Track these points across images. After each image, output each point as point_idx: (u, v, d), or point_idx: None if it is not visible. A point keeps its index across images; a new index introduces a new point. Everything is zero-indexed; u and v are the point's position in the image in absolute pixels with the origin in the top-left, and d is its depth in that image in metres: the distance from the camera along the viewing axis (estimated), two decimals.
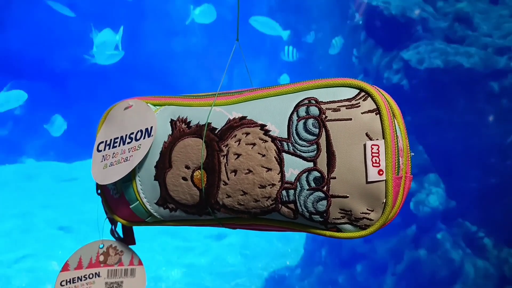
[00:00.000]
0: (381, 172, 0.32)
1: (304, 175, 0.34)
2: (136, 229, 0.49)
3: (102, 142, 0.45)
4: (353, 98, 0.34)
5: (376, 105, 0.33)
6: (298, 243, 2.15)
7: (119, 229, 0.49)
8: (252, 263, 2.21)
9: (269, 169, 0.36)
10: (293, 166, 0.35)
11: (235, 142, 0.38)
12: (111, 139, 0.44)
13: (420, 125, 2.10)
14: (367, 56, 2.41)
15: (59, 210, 2.73)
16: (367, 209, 0.33)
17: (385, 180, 0.32)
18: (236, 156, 0.37)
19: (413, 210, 2.05)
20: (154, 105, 0.44)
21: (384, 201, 0.33)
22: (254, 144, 0.37)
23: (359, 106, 0.33)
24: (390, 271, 1.96)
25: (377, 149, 0.32)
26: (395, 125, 0.33)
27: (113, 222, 0.48)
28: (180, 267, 2.20)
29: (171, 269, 2.16)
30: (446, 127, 2.09)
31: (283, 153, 0.35)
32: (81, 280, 0.47)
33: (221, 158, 0.38)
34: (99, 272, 0.48)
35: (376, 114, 0.33)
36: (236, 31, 0.45)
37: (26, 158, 3.60)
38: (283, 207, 0.36)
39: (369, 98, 0.33)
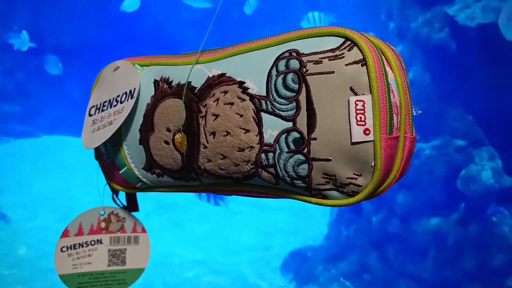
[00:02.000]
0: (367, 132, 0.33)
1: (283, 136, 0.36)
2: (144, 197, 0.55)
3: (93, 106, 0.50)
4: (337, 48, 0.34)
5: (362, 54, 0.33)
6: (321, 221, 2.23)
7: (122, 196, 0.55)
8: (270, 240, 2.33)
9: (247, 131, 0.37)
10: (272, 127, 0.36)
11: (213, 101, 0.40)
12: (101, 103, 0.49)
13: (470, 92, 2.07)
14: (402, 13, 2.34)
15: None
16: (354, 174, 0.34)
17: (373, 140, 0.33)
18: (215, 117, 0.39)
19: (460, 188, 2.06)
20: (141, 65, 0.48)
21: (373, 164, 0.33)
22: (232, 104, 0.38)
23: (343, 57, 0.33)
24: (431, 256, 2.01)
25: (362, 105, 0.32)
26: (386, 78, 0.33)
27: (113, 189, 0.53)
28: (194, 242, 2.34)
29: (185, 245, 2.31)
30: (503, 94, 2.05)
31: (262, 113, 0.37)
32: (82, 246, 0.54)
33: (200, 120, 0.40)
34: (101, 239, 0.55)
35: (362, 65, 0.33)
36: None
37: None
38: (263, 171, 0.38)
39: (355, 48, 0.33)
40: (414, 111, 0.37)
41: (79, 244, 0.54)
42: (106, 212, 0.55)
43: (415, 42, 2.24)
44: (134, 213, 0.56)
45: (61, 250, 0.54)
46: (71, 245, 0.54)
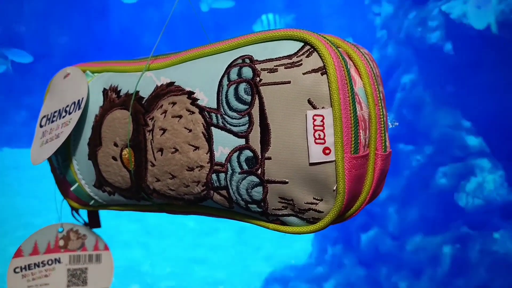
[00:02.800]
0: (327, 151, 0.30)
1: (235, 154, 0.34)
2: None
3: (44, 116, 0.49)
4: (295, 54, 0.32)
5: (323, 61, 0.30)
6: (304, 238, 2.24)
7: (83, 212, 0.55)
8: (250, 260, 2.33)
9: (196, 148, 0.36)
10: (223, 144, 0.34)
11: (161, 114, 0.38)
12: (51, 113, 0.48)
13: (469, 96, 2.08)
14: (391, 11, 2.37)
15: None
16: (314, 198, 0.32)
17: (334, 161, 0.30)
18: (162, 131, 0.38)
19: (458, 202, 2.08)
20: (93, 72, 0.47)
21: (335, 188, 0.31)
22: (180, 117, 0.37)
23: (301, 64, 0.31)
24: (426, 277, 2.02)
25: (322, 121, 0.30)
26: (351, 88, 0.31)
27: (70, 205, 0.53)
28: (166, 260, 2.33)
29: (158, 263, 2.29)
30: (505, 98, 2.07)
31: (212, 128, 0.35)
32: (38, 266, 0.54)
33: (147, 134, 0.39)
34: (59, 258, 0.54)
35: (321, 74, 0.30)
36: None
37: None
38: (215, 193, 0.36)
39: (314, 53, 0.31)
40: (389, 123, 0.36)
41: (35, 264, 0.54)
42: (64, 229, 0.54)
43: (407, 43, 2.26)
44: (95, 230, 0.56)
45: (14, 271, 0.53)
46: (25, 266, 0.54)
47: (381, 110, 0.33)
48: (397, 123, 0.36)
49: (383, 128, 0.33)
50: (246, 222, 0.38)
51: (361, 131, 0.32)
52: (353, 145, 0.31)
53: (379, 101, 0.33)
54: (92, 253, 0.55)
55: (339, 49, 0.33)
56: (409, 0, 2.28)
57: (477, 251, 1.97)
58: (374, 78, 0.33)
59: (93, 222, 0.55)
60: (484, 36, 2.02)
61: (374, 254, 2.08)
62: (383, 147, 0.33)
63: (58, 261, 0.55)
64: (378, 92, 0.33)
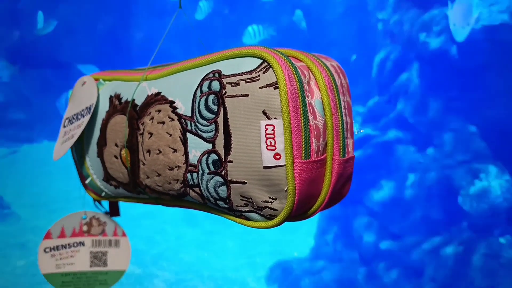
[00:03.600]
0: (277, 156, 0.34)
1: (204, 157, 0.38)
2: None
3: (67, 118, 0.55)
4: (254, 70, 0.35)
5: (276, 77, 0.33)
6: (307, 232, 2.29)
7: (105, 202, 0.61)
8: (254, 250, 2.39)
9: (175, 150, 0.40)
10: (196, 147, 0.38)
11: (149, 120, 0.43)
12: (72, 115, 0.54)
13: (473, 100, 2.05)
14: (395, 16, 2.35)
15: None
16: (269, 198, 0.36)
17: (284, 165, 0.34)
18: (150, 135, 0.43)
19: (462, 206, 2.06)
20: (105, 80, 0.52)
21: (286, 189, 0.34)
22: (163, 123, 0.41)
23: (258, 79, 0.34)
24: (427, 278, 2.01)
25: (272, 130, 0.33)
26: (302, 100, 0.33)
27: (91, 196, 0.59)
28: (179, 246, 2.40)
29: (171, 248, 2.37)
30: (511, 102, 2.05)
31: (187, 133, 0.39)
32: (65, 248, 0.60)
33: (139, 137, 0.44)
34: (83, 241, 0.60)
35: (274, 88, 0.33)
36: None
37: None
38: (191, 190, 0.40)
39: (270, 70, 0.34)
40: (355, 130, 0.39)
41: (62, 245, 0.60)
42: (88, 216, 0.60)
43: (410, 46, 2.24)
44: (115, 218, 0.62)
45: (45, 251, 0.60)
46: (54, 247, 0.60)
47: (339, 119, 0.36)
48: (362, 130, 0.40)
49: (341, 135, 0.36)
50: (220, 216, 0.42)
51: (313, 138, 0.34)
52: (303, 151, 0.34)
53: (338, 110, 0.36)
54: (112, 238, 0.61)
55: (300, 63, 0.36)
56: (413, 4, 2.26)
57: (481, 255, 1.95)
58: (334, 89, 0.36)
59: (113, 211, 0.61)
60: (490, 40, 2.02)
61: (374, 251, 2.11)
62: (341, 153, 0.36)
63: (82, 244, 0.60)
64: (337, 103, 0.36)
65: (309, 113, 0.34)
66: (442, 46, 2.13)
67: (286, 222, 0.38)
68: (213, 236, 2.51)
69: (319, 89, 0.35)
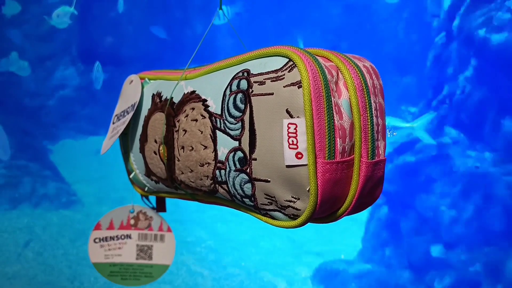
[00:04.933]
0: (299, 155, 0.33)
1: (231, 154, 0.38)
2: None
3: (116, 115, 0.56)
4: (280, 69, 0.34)
5: (300, 76, 0.33)
6: (355, 235, 2.22)
7: (152, 197, 0.62)
8: (301, 249, 2.37)
9: (205, 147, 0.40)
10: (224, 145, 0.38)
11: (184, 117, 0.43)
12: (120, 112, 0.55)
13: None
14: (449, 10, 2.19)
15: None
16: (292, 197, 0.35)
17: (306, 164, 0.33)
18: (184, 132, 0.43)
19: None
20: (150, 79, 0.53)
21: (309, 189, 0.33)
22: (196, 120, 0.42)
23: (283, 78, 0.34)
24: None
25: (295, 129, 0.33)
26: (327, 100, 0.33)
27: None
28: (221, 242, 2.43)
29: (219, 245, 2.41)
30: None
31: (217, 131, 0.39)
32: (113, 239, 0.62)
33: (175, 134, 0.45)
34: (130, 234, 0.62)
35: (298, 87, 0.33)
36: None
37: None
38: (219, 187, 0.40)
39: (295, 69, 0.33)
40: (388, 133, 0.37)
41: (110, 237, 0.62)
42: (135, 210, 0.61)
43: (468, 44, 2.11)
44: (161, 214, 0.62)
45: (94, 241, 0.62)
46: (103, 237, 0.62)
47: (368, 120, 0.34)
48: (396, 133, 0.37)
49: (369, 137, 0.34)
50: (248, 213, 0.41)
51: (338, 139, 0.33)
52: (327, 151, 0.33)
53: (368, 111, 0.34)
54: (157, 233, 0.62)
55: (329, 63, 0.35)
56: None
57: None
58: (364, 90, 0.34)
59: (160, 206, 0.61)
60: None
61: (424, 259, 2.01)
62: (370, 155, 0.35)
63: (129, 237, 0.62)
64: (366, 103, 0.34)
65: (334, 113, 0.33)
66: (505, 42, 1.97)
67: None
68: (261, 233, 2.51)
69: (347, 89, 0.34)
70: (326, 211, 0.36)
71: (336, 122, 0.33)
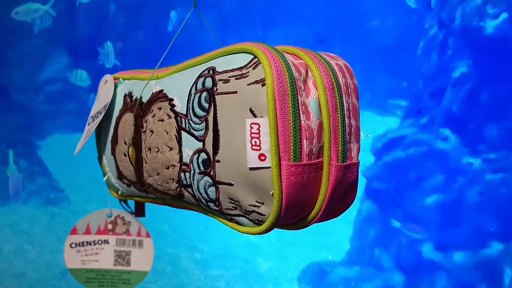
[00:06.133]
0: (262, 157, 0.31)
1: (196, 156, 0.36)
2: None
3: (91, 116, 0.55)
4: (245, 66, 0.33)
5: (264, 73, 0.31)
6: (343, 235, 2.21)
7: (131, 202, 0.60)
8: (287, 250, 2.35)
9: (171, 148, 0.39)
10: (189, 146, 0.37)
11: (151, 117, 0.42)
12: (95, 113, 0.54)
13: None
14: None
15: None
16: (256, 201, 0.33)
17: (270, 167, 0.31)
18: (151, 132, 0.41)
19: None
20: (124, 79, 0.52)
21: (272, 193, 0.32)
22: (163, 120, 0.40)
23: (248, 76, 0.32)
24: None
25: (258, 129, 0.31)
26: (292, 99, 0.31)
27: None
28: (207, 242, 2.42)
29: (204, 244, 2.39)
30: None
31: (182, 131, 0.38)
32: (90, 244, 0.60)
33: (142, 135, 0.43)
34: (108, 240, 0.60)
35: (262, 85, 0.31)
36: None
37: None
38: (185, 191, 0.39)
39: (259, 66, 0.32)
40: (362, 135, 0.35)
41: (87, 242, 0.60)
42: (113, 214, 0.60)
43: (462, 32, 2.04)
44: (140, 219, 0.60)
45: (70, 246, 0.59)
46: (79, 242, 0.60)
47: (339, 121, 0.32)
48: (370, 135, 0.36)
49: (340, 139, 0.32)
50: (215, 219, 0.40)
51: (304, 140, 0.31)
52: (292, 153, 0.31)
53: (338, 112, 0.32)
54: (136, 238, 0.60)
55: (299, 61, 0.33)
56: None
57: None
58: (335, 89, 0.33)
59: (139, 211, 0.59)
60: None
61: (415, 260, 1.99)
62: (340, 157, 0.33)
63: (106, 242, 0.60)
64: (337, 103, 0.32)
65: (300, 112, 0.31)
66: (499, 31, 1.92)
67: (316, 224, 0.36)
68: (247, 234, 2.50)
69: (317, 88, 0.32)
70: (293, 217, 0.34)
71: (302, 122, 0.31)
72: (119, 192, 0.54)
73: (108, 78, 0.54)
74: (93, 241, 0.60)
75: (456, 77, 2.03)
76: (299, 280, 2.09)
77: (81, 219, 0.60)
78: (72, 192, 2.67)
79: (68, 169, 2.82)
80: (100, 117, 0.51)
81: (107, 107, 0.50)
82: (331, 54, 0.36)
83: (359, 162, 0.35)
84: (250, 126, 0.32)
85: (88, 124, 0.55)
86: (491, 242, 1.86)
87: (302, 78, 0.32)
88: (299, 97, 0.32)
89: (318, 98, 0.32)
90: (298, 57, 0.34)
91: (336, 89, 0.33)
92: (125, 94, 0.49)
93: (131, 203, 0.60)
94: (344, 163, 0.33)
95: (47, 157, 2.85)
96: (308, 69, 0.33)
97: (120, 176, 0.50)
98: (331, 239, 2.29)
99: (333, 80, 0.33)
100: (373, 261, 2.05)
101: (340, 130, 0.32)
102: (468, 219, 1.91)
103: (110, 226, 0.60)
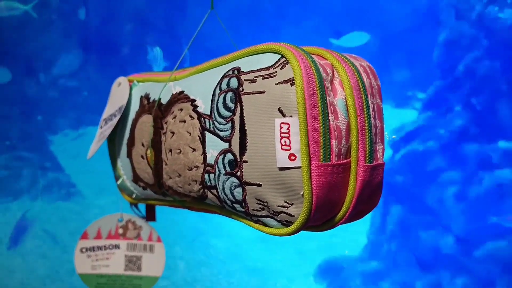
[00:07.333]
0: (292, 157, 0.31)
1: (221, 157, 0.36)
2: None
3: (104, 119, 0.55)
4: (272, 66, 0.33)
5: (293, 73, 0.31)
6: (360, 230, 2.19)
7: (142, 206, 0.59)
8: (302, 245, 2.34)
9: (194, 149, 0.39)
10: (213, 147, 0.37)
11: (172, 118, 0.42)
12: (108, 116, 0.54)
13: None
14: None
15: None
16: (285, 202, 0.33)
17: (300, 167, 0.31)
18: (172, 134, 0.42)
19: None
20: (138, 81, 0.52)
21: (302, 193, 0.32)
22: (184, 121, 0.40)
23: (275, 75, 0.33)
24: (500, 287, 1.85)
25: (287, 128, 0.31)
26: (321, 98, 0.31)
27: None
28: (223, 237, 2.43)
29: (218, 240, 2.40)
30: None
31: (206, 132, 0.38)
32: (101, 249, 0.60)
33: (162, 136, 0.43)
34: (119, 244, 0.59)
35: (291, 84, 0.31)
36: None
37: None
38: (209, 192, 0.39)
39: (287, 65, 0.32)
40: (387, 136, 0.35)
41: (98, 247, 0.60)
42: (124, 219, 0.59)
43: (480, 23, 2.02)
44: (151, 223, 0.60)
45: (81, 251, 0.59)
46: (90, 247, 0.59)
47: (365, 121, 0.33)
48: (395, 136, 0.35)
49: (367, 139, 0.33)
50: (239, 221, 0.40)
51: (333, 140, 0.32)
52: (322, 153, 0.31)
53: (365, 112, 0.33)
54: (147, 243, 0.60)
55: (324, 61, 0.34)
56: None
57: None
58: (361, 89, 0.33)
59: (150, 215, 0.59)
60: None
61: (433, 254, 1.97)
62: (367, 158, 0.33)
63: (117, 247, 0.60)
64: (363, 104, 0.33)
65: (329, 112, 0.32)
66: None
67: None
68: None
69: (343, 89, 0.33)
70: (321, 218, 0.34)
71: (331, 122, 0.32)
72: (134, 196, 0.54)
73: (121, 80, 0.54)
74: (104, 246, 0.60)
75: (474, 68, 2.00)
76: (315, 276, 2.09)
77: (91, 223, 0.60)
78: (84, 187, 2.70)
79: (80, 164, 2.86)
80: (115, 119, 0.51)
81: (122, 109, 0.50)
82: (354, 55, 0.36)
83: (384, 163, 0.35)
84: (280, 126, 0.32)
85: (101, 127, 0.55)
86: (510, 236, 1.84)
87: (329, 78, 0.33)
88: (327, 96, 0.32)
89: (345, 98, 0.33)
90: (323, 57, 0.34)
91: (362, 89, 0.33)
92: (141, 96, 0.49)
93: (142, 207, 0.59)
94: (371, 164, 0.33)
95: (58, 152, 2.89)
96: (334, 70, 0.33)
97: (136, 179, 0.50)
98: (347, 234, 2.27)
99: (359, 81, 0.33)
100: (390, 256, 2.03)
101: (367, 131, 0.33)
102: (486, 213, 1.89)
103: (121, 231, 0.60)
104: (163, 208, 0.59)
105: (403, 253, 2.01)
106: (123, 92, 0.52)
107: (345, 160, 0.33)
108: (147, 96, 0.48)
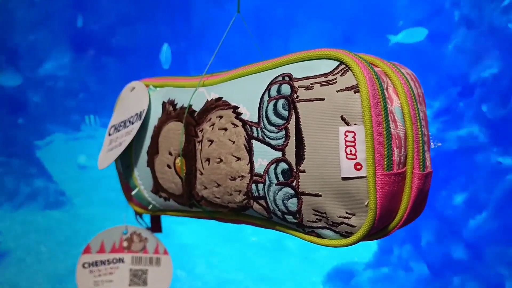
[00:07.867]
0: (358, 166, 0.32)
1: (273, 166, 0.36)
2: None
3: (113, 126, 0.53)
4: (330, 72, 0.33)
5: (356, 79, 0.32)
6: None
7: (146, 216, 0.59)
8: (311, 251, 2.35)
9: (238, 158, 0.39)
10: (262, 156, 0.37)
11: (209, 126, 0.41)
12: (118, 123, 0.52)
13: None
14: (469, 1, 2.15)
15: None
16: (347, 213, 0.33)
17: (366, 176, 0.31)
18: (210, 142, 0.41)
19: None
20: (155, 86, 0.51)
21: (367, 203, 0.32)
22: (226, 129, 0.40)
23: (335, 82, 0.33)
24: None
25: (353, 137, 0.31)
26: (384, 106, 0.32)
27: (133, 209, 0.56)
28: (231, 244, 2.42)
29: (226, 247, 2.39)
30: None
31: (253, 140, 0.37)
32: (104, 264, 0.58)
33: (197, 145, 0.42)
34: (123, 258, 0.58)
35: (355, 92, 0.32)
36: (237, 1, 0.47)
37: None
38: (255, 203, 0.38)
39: (348, 72, 0.32)
40: (432, 143, 0.35)
41: (101, 261, 0.58)
42: (129, 231, 0.58)
43: (490, 32, 2.07)
44: (157, 234, 0.59)
45: (83, 266, 0.58)
46: (92, 262, 0.58)
47: (419, 130, 0.34)
48: (440, 143, 0.36)
49: (421, 147, 0.34)
50: (285, 233, 0.40)
51: (395, 148, 0.32)
52: (386, 162, 0.32)
53: (418, 120, 0.34)
54: (153, 256, 0.59)
55: (377, 68, 0.34)
56: None
57: None
58: (413, 98, 0.34)
59: (155, 227, 0.58)
60: None
61: (444, 261, 1.98)
62: (421, 166, 0.34)
63: (121, 260, 0.58)
64: (416, 112, 0.34)
65: (390, 120, 0.32)
66: None
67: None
68: (272, 236, 2.50)
69: (398, 96, 0.34)
70: (379, 227, 0.35)
71: (392, 130, 0.32)
72: (150, 207, 0.52)
73: (136, 85, 0.52)
74: (107, 260, 0.58)
75: (485, 76, 2.04)
76: (324, 283, 2.09)
77: (95, 236, 0.58)
78: (74, 195, 2.68)
79: (69, 171, 2.84)
80: (134, 126, 0.49)
81: (143, 115, 0.49)
82: (399, 64, 0.37)
83: (432, 171, 0.36)
84: (345, 134, 0.32)
85: (109, 134, 0.53)
86: None
87: (385, 86, 0.33)
88: (388, 105, 0.32)
89: (401, 106, 0.33)
90: (375, 65, 0.35)
91: (413, 97, 0.34)
92: (164, 101, 0.48)
93: (146, 218, 0.59)
94: (424, 172, 0.34)
95: (46, 158, 2.87)
96: (387, 78, 0.34)
97: (158, 189, 0.49)
98: None
99: (410, 89, 0.34)
100: (401, 262, 2.04)
101: (420, 139, 0.34)
102: (496, 219, 1.91)
103: (125, 244, 0.58)
104: (164, 217, 0.58)
105: (413, 258, 2.02)
106: (141, 97, 0.50)
107: (403, 169, 0.33)
108: (171, 102, 0.47)
